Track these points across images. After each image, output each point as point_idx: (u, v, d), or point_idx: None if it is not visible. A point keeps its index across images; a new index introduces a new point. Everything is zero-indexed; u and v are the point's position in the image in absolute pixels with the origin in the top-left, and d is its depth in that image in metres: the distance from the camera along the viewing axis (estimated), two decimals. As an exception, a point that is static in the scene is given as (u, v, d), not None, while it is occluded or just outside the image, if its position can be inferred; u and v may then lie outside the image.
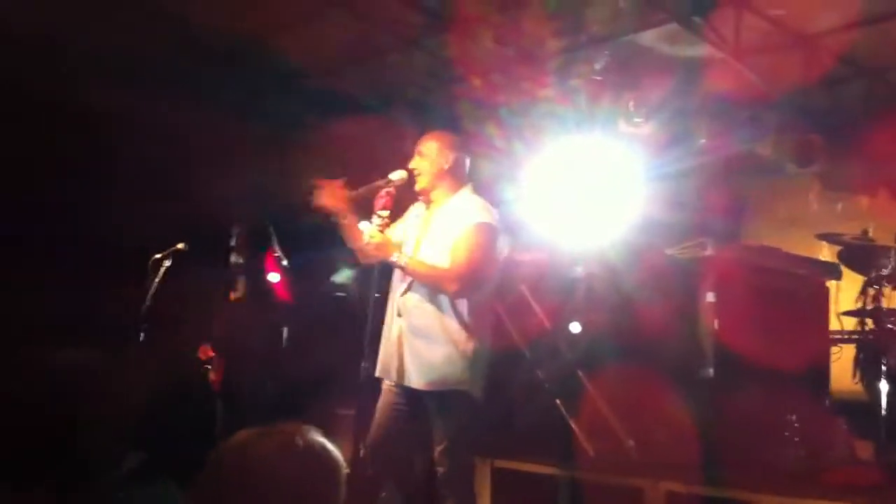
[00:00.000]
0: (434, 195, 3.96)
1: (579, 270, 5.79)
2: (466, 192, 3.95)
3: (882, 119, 6.30)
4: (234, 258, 5.60)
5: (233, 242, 5.61)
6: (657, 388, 5.12)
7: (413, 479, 3.92)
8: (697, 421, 4.89)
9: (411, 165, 3.93)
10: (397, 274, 3.90)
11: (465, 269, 3.73)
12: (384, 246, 3.75)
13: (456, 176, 3.96)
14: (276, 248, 5.62)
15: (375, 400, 3.89)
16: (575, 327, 5.64)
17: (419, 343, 3.78)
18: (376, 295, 3.84)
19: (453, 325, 3.76)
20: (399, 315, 3.84)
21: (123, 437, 1.78)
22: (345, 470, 1.54)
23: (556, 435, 5.28)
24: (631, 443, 5.01)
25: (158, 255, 5.02)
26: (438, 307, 3.78)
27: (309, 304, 5.94)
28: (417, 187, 3.94)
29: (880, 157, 6.15)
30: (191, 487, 1.50)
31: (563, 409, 5.33)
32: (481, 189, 4.04)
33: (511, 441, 5.18)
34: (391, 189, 3.82)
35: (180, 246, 5.04)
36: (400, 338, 3.82)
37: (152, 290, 4.94)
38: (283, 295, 5.69)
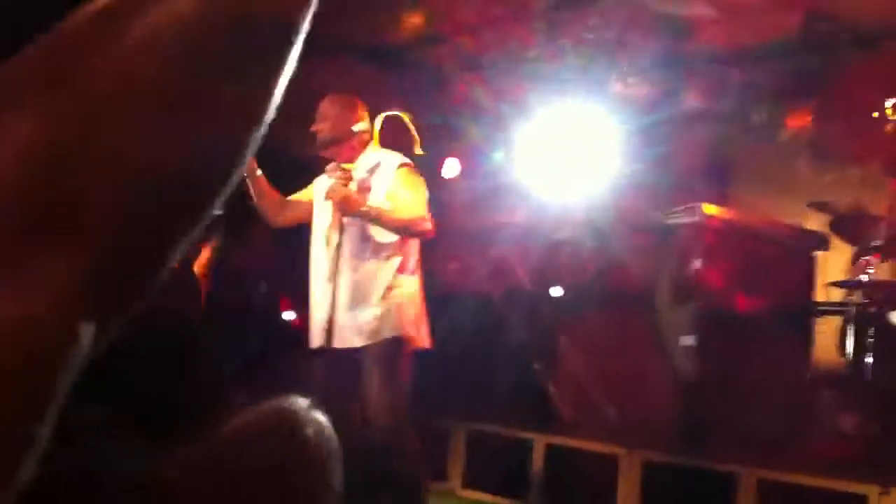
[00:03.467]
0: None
1: (563, 233, 5.67)
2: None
3: (877, 87, 6.21)
4: None
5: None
6: (639, 354, 5.03)
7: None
8: (679, 389, 4.81)
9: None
10: (320, 234, 3.77)
11: (423, 209, 3.72)
12: (349, 200, 3.63)
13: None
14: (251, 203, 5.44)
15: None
16: (556, 291, 5.53)
17: (351, 299, 3.66)
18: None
19: (387, 274, 3.68)
20: (329, 277, 3.69)
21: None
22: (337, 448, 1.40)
23: (532, 399, 5.19)
24: (609, 409, 4.92)
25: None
26: (373, 259, 3.70)
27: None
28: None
29: (872, 126, 6.04)
30: (178, 468, 1.35)
31: (540, 373, 5.23)
32: (468, 150, 3.95)
33: (487, 405, 5.08)
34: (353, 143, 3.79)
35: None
36: (331, 299, 3.67)
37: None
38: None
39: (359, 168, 3.82)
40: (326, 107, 3.91)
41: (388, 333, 3.65)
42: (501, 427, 5.04)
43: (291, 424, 1.34)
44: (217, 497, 1.26)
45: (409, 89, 6.44)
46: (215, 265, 5.21)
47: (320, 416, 1.37)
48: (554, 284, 5.50)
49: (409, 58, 6.87)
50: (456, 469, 4.99)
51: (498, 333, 5.31)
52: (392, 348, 3.65)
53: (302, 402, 1.39)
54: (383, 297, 3.67)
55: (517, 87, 6.49)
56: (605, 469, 4.55)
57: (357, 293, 3.67)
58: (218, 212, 0.52)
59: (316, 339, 3.70)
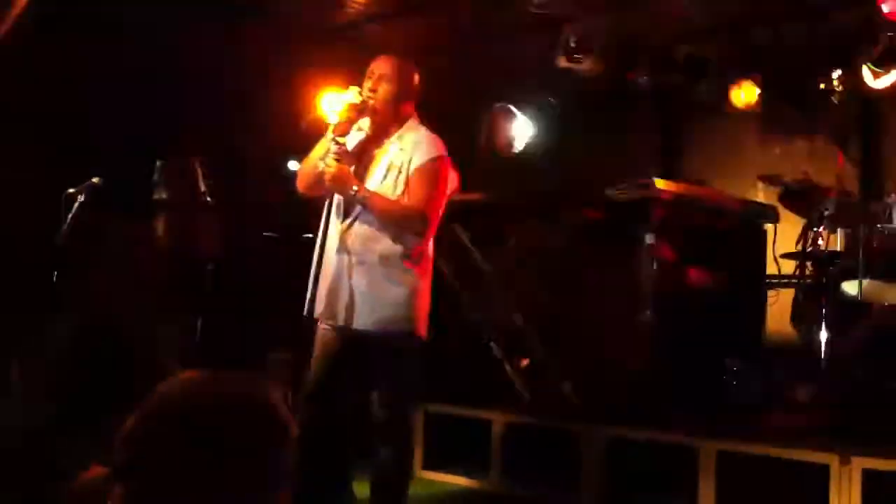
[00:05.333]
0: (384, 123, 3.65)
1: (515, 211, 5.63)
2: (415, 123, 3.65)
3: (821, 60, 6.27)
4: (156, 194, 5.27)
5: (156, 177, 5.28)
6: (596, 331, 5.02)
7: (349, 432, 3.70)
8: (636, 365, 4.81)
9: (366, 89, 3.60)
10: (335, 207, 3.60)
11: (429, 206, 3.48)
12: (341, 177, 3.44)
13: (409, 105, 3.66)
14: (202, 184, 5.29)
15: (310, 343, 3.65)
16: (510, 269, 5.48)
17: (368, 281, 3.50)
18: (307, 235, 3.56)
19: (402, 263, 3.52)
20: (340, 251, 3.55)
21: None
22: (295, 432, 1.36)
23: (491, 379, 5.15)
24: (568, 387, 4.90)
25: (72, 190, 4.67)
26: (387, 244, 3.49)
27: (239, 244, 5.67)
28: (369, 114, 3.62)
29: (820, 98, 6.10)
30: (120, 435, 1.30)
31: (498, 352, 5.20)
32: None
33: (445, 385, 5.03)
34: (351, 113, 3.48)
35: (95, 180, 4.70)
36: (345, 276, 3.50)
37: (65, 228, 4.60)
38: (210, 238, 5.39)
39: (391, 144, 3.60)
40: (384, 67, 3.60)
41: (404, 326, 3.52)
42: (460, 407, 5.00)
43: (253, 394, 1.30)
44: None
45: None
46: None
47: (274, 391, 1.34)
48: (508, 261, 5.46)
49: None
50: (416, 451, 4.95)
51: (454, 312, 5.25)
52: (406, 341, 3.54)
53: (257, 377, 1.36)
54: (402, 286, 3.51)
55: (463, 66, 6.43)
56: (567, 446, 4.54)
57: (372, 278, 3.50)
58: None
59: (317, 308, 3.52)
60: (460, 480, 4.89)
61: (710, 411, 4.60)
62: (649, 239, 5.05)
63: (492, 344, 5.24)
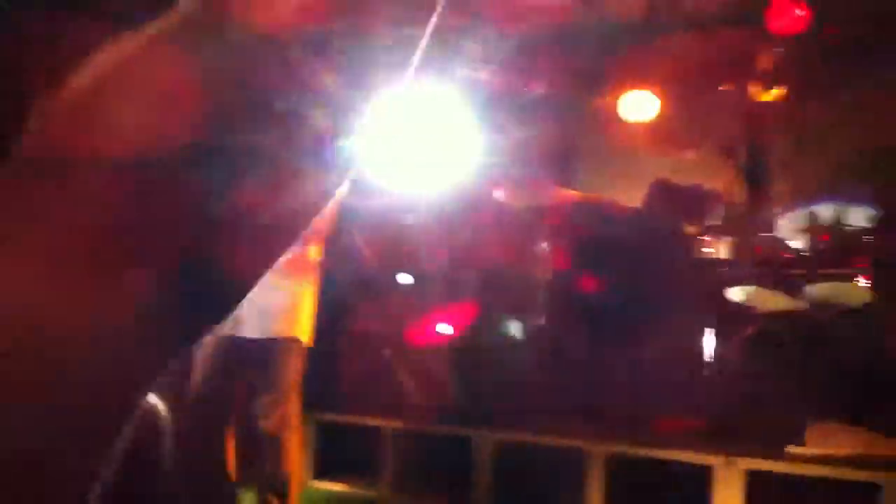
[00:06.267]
0: None
1: (411, 218, 5.59)
2: None
3: (713, 73, 6.43)
4: None
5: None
6: (488, 337, 5.02)
7: (226, 440, 3.60)
8: (529, 369, 4.83)
9: None
10: None
11: None
12: None
13: None
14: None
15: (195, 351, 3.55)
16: (404, 277, 5.45)
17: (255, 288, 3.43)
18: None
19: (282, 268, 3.46)
20: None
21: None
22: (168, 428, 1.30)
23: (383, 386, 5.10)
24: (458, 391, 4.89)
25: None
26: None
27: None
28: None
29: (710, 110, 6.25)
30: None
31: (390, 358, 5.15)
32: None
33: (336, 393, 4.97)
34: None
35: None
36: None
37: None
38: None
39: None
40: None
41: (287, 332, 3.48)
42: (352, 416, 4.94)
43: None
44: None
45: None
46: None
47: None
48: (402, 270, 5.43)
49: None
50: (306, 460, 4.87)
51: (346, 319, 5.19)
52: (288, 347, 3.49)
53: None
54: (283, 292, 3.45)
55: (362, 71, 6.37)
56: (459, 452, 4.52)
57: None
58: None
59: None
60: (350, 489, 4.83)
61: (598, 415, 4.63)
62: (545, 246, 5.09)
63: (385, 351, 5.19)
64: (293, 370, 3.52)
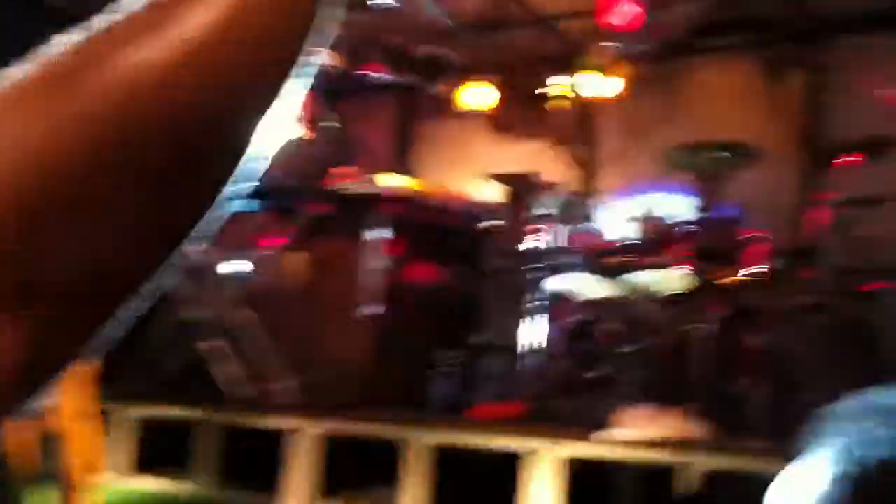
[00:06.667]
0: None
1: (236, 205, 5.46)
2: None
3: (549, 65, 6.54)
4: None
5: None
6: (319, 326, 4.96)
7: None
8: (358, 359, 4.80)
9: None
10: None
11: None
12: None
13: None
14: None
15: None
16: (225, 267, 5.30)
17: None
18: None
19: None
20: None
21: None
22: None
23: (200, 379, 4.97)
24: (287, 383, 4.81)
25: None
26: None
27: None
28: None
29: (545, 103, 6.35)
30: None
31: (206, 351, 5.01)
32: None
33: (152, 387, 4.82)
34: None
35: None
36: None
37: None
38: None
39: None
40: None
41: None
42: (167, 408, 4.80)
43: None
44: None
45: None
46: None
47: None
48: (229, 258, 5.30)
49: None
50: (126, 454, 4.71)
51: (163, 312, 5.02)
52: None
53: None
54: None
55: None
56: (279, 444, 4.45)
57: None
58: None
59: None
60: (166, 484, 4.69)
61: (422, 404, 4.65)
62: (376, 234, 5.06)
63: (204, 342, 5.04)
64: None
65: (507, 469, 4.05)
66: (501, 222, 5.65)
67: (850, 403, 0.82)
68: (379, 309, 4.91)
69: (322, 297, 5.03)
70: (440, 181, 6.11)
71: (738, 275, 4.64)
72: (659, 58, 6.45)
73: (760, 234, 4.66)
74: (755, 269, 4.63)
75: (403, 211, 5.15)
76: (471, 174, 6.27)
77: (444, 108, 6.65)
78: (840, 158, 4.93)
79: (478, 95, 6.54)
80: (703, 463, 3.74)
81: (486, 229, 5.63)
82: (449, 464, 4.19)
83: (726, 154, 4.79)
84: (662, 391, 4.39)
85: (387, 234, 5.03)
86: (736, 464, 3.73)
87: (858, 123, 5.51)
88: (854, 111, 5.76)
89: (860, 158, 4.85)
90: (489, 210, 5.75)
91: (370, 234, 5.02)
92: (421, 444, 4.17)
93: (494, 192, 5.85)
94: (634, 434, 3.95)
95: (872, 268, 4.79)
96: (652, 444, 3.89)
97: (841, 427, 0.80)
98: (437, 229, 5.34)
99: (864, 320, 4.56)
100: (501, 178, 5.69)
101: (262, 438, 4.51)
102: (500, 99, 6.56)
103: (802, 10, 6.12)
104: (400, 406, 4.57)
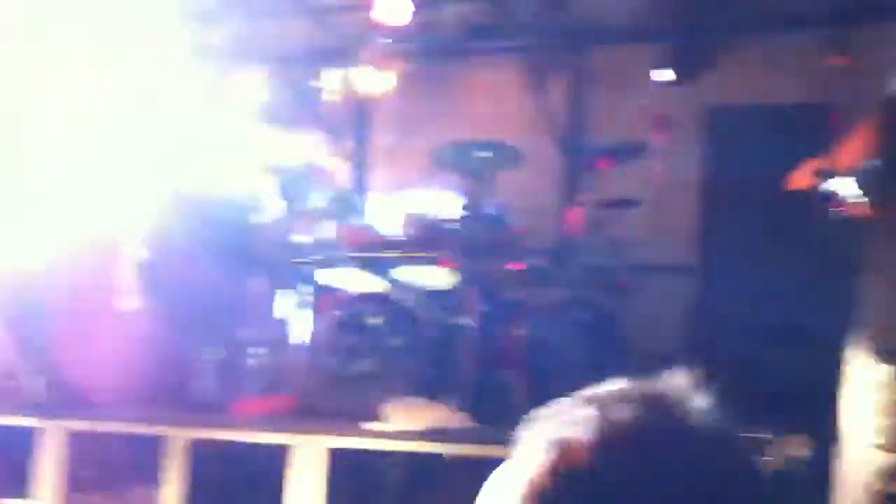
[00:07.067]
0: None
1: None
2: None
3: (323, 58, 6.51)
4: None
5: None
6: (79, 324, 4.71)
7: None
8: (120, 357, 4.59)
9: None
10: None
11: None
12: None
13: None
14: None
15: None
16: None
17: None
18: None
19: None
20: None
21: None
22: None
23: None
24: (35, 381, 4.53)
25: None
26: None
27: None
28: None
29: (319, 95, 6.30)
30: None
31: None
32: None
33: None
34: None
35: None
36: None
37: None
38: None
39: None
40: None
41: None
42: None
43: None
44: None
45: None
46: None
47: None
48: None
49: None
50: None
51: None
52: None
53: None
54: None
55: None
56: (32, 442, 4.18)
57: None
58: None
59: None
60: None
61: (185, 400, 4.52)
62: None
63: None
64: None
65: (275, 463, 4.00)
66: (272, 215, 5.58)
67: (572, 395, 0.85)
68: (140, 304, 4.71)
69: (76, 294, 4.77)
70: (211, 175, 5.93)
71: (501, 270, 4.80)
72: (431, 56, 6.55)
73: (522, 232, 4.84)
74: (516, 265, 4.81)
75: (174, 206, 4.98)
76: (241, 166, 6.13)
77: (213, 98, 6.46)
78: (597, 162, 5.19)
79: (251, 86, 6.39)
80: (466, 453, 3.84)
81: (258, 221, 5.54)
82: (218, 459, 4.09)
83: (490, 154, 4.92)
84: (427, 384, 4.46)
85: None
86: (497, 453, 3.84)
87: (614, 128, 5.84)
88: (610, 117, 6.11)
89: (615, 162, 5.13)
90: (260, 202, 5.65)
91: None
92: (181, 440, 4.04)
93: (265, 185, 5.75)
94: (400, 426, 4.00)
95: (625, 265, 5.09)
96: (417, 435, 3.94)
97: (550, 416, 0.84)
98: (206, 221, 5.19)
99: (616, 314, 4.83)
100: (272, 170, 5.60)
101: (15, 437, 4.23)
102: (273, 90, 6.45)
103: (564, 18, 6.38)
104: (163, 402, 4.40)
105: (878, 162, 3.05)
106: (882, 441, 3.02)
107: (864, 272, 3.07)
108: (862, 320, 3.06)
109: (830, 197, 3.16)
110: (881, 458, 3.03)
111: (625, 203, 5.13)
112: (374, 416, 4.07)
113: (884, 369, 3.01)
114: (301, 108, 6.46)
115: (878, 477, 3.01)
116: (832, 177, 3.16)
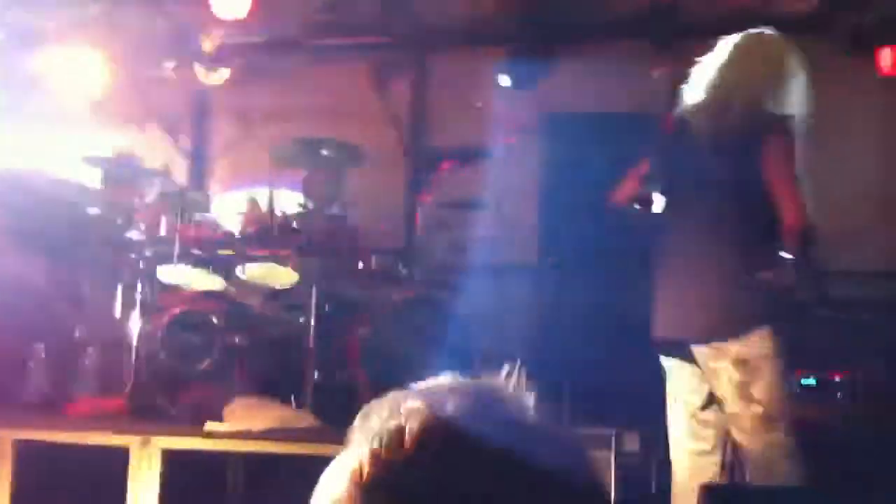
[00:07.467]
0: None
1: None
2: None
3: (160, 49, 6.33)
4: None
5: None
6: None
7: None
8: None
9: None
10: None
11: None
12: None
13: None
14: None
15: None
16: None
17: None
18: None
19: None
20: None
21: None
22: None
23: None
24: None
25: None
26: None
27: None
28: None
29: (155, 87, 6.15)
30: None
31: None
32: None
33: None
34: None
35: None
36: None
37: None
38: None
39: None
40: None
41: None
42: None
43: None
44: None
45: None
46: None
47: None
48: None
49: None
50: None
51: None
52: None
53: None
54: None
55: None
56: None
57: None
58: None
59: None
60: None
61: (12, 400, 4.33)
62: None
63: None
64: None
65: (103, 464, 3.88)
66: (104, 209, 5.38)
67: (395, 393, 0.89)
68: None
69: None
70: (34, 161, 5.68)
71: (343, 270, 4.80)
72: (273, 52, 6.48)
73: (367, 232, 4.86)
74: (360, 264, 4.83)
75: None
76: (69, 156, 5.90)
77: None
78: (440, 164, 5.27)
79: (77, 72, 6.11)
80: (307, 452, 3.82)
81: (89, 216, 5.34)
82: (50, 460, 3.94)
83: (332, 153, 4.89)
84: (268, 383, 4.42)
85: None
86: (339, 451, 3.84)
87: (457, 131, 5.94)
88: (453, 119, 6.20)
89: (456, 165, 5.22)
90: (89, 195, 5.44)
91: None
92: (7, 440, 3.86)
93: (95, 177, 5.54)
94: (239, 426, 3.94)
95: (466, 264, 5.18)
96: (256, 435, 3.90)
97: (381, 408, 0.87)
98: (30, 213, 4.97)
99: (458, 313, 4.91)
100: (102, 162, 5.40)
101: None
102: (106, 78, 6.22)
103: (405, 19, 6.42)
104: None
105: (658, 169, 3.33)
106: (697, 434, 3.22)
107: (658, 271, 3.30)
108: (658, 317, 3.26)
109: (644, 202, 3.38)
110: (700, 451, 3.22)
111: (466, 204, 5.22)
112: (213, 417, 4.00)
113: (681, 364, 3.21)
114: (138, 100, 6.28)
115: (698, 471, 3.19)
116: (650, 184, 3.37)
